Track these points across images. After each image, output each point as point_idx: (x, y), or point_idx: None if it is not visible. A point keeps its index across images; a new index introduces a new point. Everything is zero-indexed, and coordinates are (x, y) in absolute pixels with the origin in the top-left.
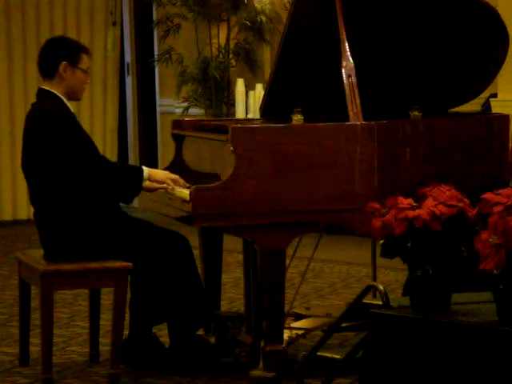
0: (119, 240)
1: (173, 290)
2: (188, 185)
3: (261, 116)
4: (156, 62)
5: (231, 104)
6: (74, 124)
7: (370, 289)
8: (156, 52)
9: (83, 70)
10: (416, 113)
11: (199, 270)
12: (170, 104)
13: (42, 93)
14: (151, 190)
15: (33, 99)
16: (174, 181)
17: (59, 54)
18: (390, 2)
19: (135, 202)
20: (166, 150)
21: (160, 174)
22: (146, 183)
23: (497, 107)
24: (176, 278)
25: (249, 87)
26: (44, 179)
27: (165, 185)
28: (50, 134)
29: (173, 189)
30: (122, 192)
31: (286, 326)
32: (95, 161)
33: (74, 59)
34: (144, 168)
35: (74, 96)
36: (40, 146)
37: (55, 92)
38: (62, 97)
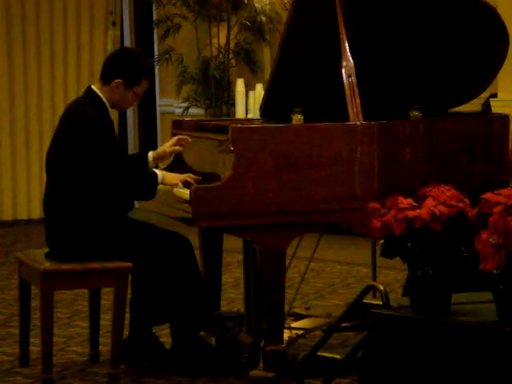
0: (122, 241)
1: (175, 291)
2: (199, 178)
3: (261, 116)
4: (156, 62)
5: (231, 104)
6: (107, 135)
7: (370, 289)
8: (156, 52)
9: (136, 93)
10: (416, 113)
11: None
12: (170, 104)
13: (89, 93)
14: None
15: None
16: (184, 182)
17: (120, 69)
18: (390, 2)
19: (136, 203)
20: None
21: (172, 180)
22: (159, 187)
23: (497, 107)
24: (178, 280)
25: (249, 87)
26: (65, 181)
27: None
28: (84, 143)
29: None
30: (138, 199)
31: (286, 326)
32: (116, 176)
33: (131, 81)
34: (158, 175)
35: (118, 109)
36: (70, 151)
37: (102, 96)
38: (107, 103)
